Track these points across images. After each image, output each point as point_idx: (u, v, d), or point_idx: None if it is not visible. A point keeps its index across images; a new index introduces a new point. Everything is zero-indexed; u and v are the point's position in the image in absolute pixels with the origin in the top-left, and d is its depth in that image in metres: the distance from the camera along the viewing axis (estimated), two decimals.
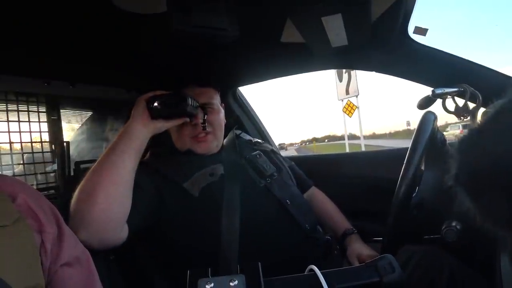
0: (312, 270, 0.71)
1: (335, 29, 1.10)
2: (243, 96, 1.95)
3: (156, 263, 1.16)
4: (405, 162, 0.93)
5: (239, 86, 1.89)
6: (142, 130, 1.05)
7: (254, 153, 1.32)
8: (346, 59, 1.50)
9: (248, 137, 1.50)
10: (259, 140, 1.47)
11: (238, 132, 1.51)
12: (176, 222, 1.11)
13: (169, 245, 1.12)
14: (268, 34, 1.25)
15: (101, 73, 1.50)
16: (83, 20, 1.03)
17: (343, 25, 1.07)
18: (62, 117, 1.55)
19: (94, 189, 0.93)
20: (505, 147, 0.43)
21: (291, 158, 1.61)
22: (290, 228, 1.15)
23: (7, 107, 1.34)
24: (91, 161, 1.01)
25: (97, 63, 1.38)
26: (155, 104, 1.06)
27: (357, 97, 10.91)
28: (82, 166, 1.45)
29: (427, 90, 1.18)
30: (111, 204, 0.94)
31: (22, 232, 0.63)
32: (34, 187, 1.34)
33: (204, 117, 1.22)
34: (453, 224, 0.87)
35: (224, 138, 1.38)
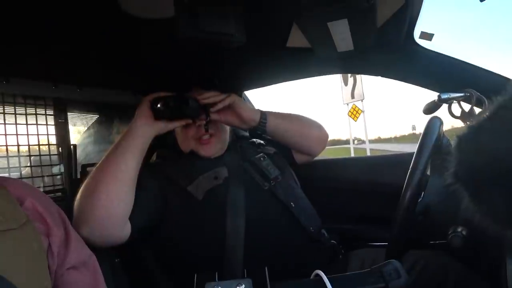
0: (318, 275, 0.71)
1: (341, 34, 1.10)
2: (248, 100, 1.95)
3: (161, 266, 1.17)
4: (411, 167, 0.92)
5: (245, 91, 1.90)
6: (145, 130, 1.08)
7: (258, 155, 1.32)
8: (352, 64, 1.50)
9: (251, 139, 1.50)
10: (262, 142, 1.46)
11: (241, 133, 1.52)
12: (181, 225, 1.11)
13: (174, 248, 1.12)
14: (274, 39, 1.26)
15: (109, 77, 1.52)
16: (92, 24, 1.04)
17: (349, 30, 1.07)
18: (69, 120, 1.56)
19: (97, 186, 0.97)
20: (503, 144, 0.43)
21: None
22: (295, 231, 1.15)
23: (15, 110, 1.35)
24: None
25: (105, 67, 1.39)
26: (158, 105, 1.09)
27: (362, 101, 10.86)
28: (89, 168, 1.46)
29: (433, 95, 1.18)
30: (113, 201, 0.96)
31: (30, 235, 0.63)
32: (41, 189, 1.36)
33: (207, 118, 1.23)
34: (459, 230, 0.86)
35: None
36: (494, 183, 0.44)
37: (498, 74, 1.19)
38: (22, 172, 1.41)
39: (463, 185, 0.48)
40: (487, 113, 0.47)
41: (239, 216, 1.09)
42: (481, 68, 1.23)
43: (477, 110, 1.10)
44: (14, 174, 1.38)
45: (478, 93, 1.06)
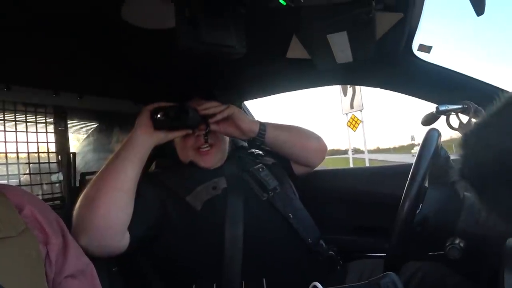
0: (315, 286, 0.71)
1: (341, 46, 1.11)
2: (248, 111, 1.96)
3: (159, 276, 1.16)
4: (409, 178, 0.93)
5: (244, 101, 1.91)
6: (145, 139, 1.08)
7: (257, 166, 1.32)
8: (351, 75, 1.52)
9: (250, 150, 1.50)
10: (261, 152, 1.46)
11: (240, 143, 1.52)
12: (179, 235, 1.11)
13: (172, 257, 1.12)
14: (274, 50, 1.27)
15: (109, 85, 1.53)
16: (93, 33, 1.06)
17: (348, 42, 1.08)
18: (68, 128, 1.56)
19: (96, 195, 0.96)
20: (510, 140, 0.43)
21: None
22: (293, 242, 1.15)
23: (15, 118, 1.36)
24: (97, 173, 1.03)
25: (106, 76, 1.40)
26: (159, 115, 1.09)
27: (361, 111, 10.89)
28: (88, 177, 1.46)
29: (431, 106, 1.18)
30: (111, 210, 0.96)
31: (28, 243, 0.64)
32: (40, 197, 1.35)
33: (207, 129, 1.23)
34: (457, 241, 0.86)
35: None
36: (501, 180, 0.44)
37: (496, 86, 1.19)
38: (21, 179, 1.42)
39: (469, 182, 0.48)
40: (494, 110, 0.47)
41: (237, 226, 1.09)
42: (479, 80, 1.24)
43: (474, 121, 1.11)
44: (13, 181, 1.38)
45: (476, 105, 1.07)
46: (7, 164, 1.34)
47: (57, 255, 0.69)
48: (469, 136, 0.49)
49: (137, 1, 0.89)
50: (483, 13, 0.91)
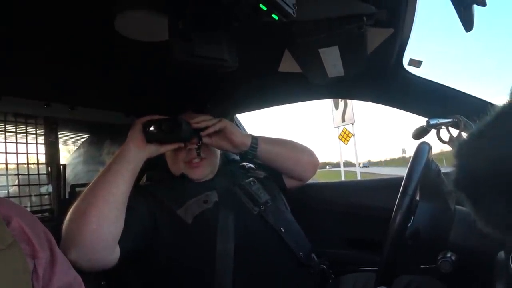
0: None
1: (332, 60, 1.12)
2: (240, 124, 1.97)
3: None
4: (400, 192, 0.93)
5: (236, 114, 1.91)
6: (137, 152, 1.07)
7: (248, 180, 1.32)
8: (342, 89, 1.53)
9: (242, 163, 1.50)
10: (252, 166, 1.47)
11: (231, 157, 1.52)
12: (170, 248, 1.10)
13: (162, 271, 1.11)
14: (266, 64, 1.28)
15: (101, 97, 1.52)
16: (85, 44, 1.06)
17: (340, 56, 1.10)
18: (59, 139, 1.55)
19: (87, 209, 0.95)
20: (505, 151, 0.43)
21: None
22: (284, 256, 1.14)
23: (5, 128, 1.34)
24: (87, 185, 1.02)
25: (98, 87, 1.39)
26: (151, 128, 1.08)
27: (352, 124, 10.97)
28: (78, 189, 1.44)
29: (422, 120, 1.20)
30: (103, 224, 0.95)
31: (15, 257, 0.62)
32: (28, 209, 1.33)
33: (199, 143, 1.23)
34: (448, 255, 0.87)
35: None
36: (496, 189, 0.44)
37: (485, 101, 1.21)
38: (10, 191, 1.39)
39: (463, 192, 0.48)
40: (488, 120, 0.47)
41: (229, 240, 1.08)
42: (469, 94, 1.26)
43: (464, 135, 1.12)
44: (1, 193, 1.36)
45: (466, 119, 1.08)
46: None
47: (44, 269, 0.68)
48: (464, 146, 0.49)
49: (131, 13, 0.89)
50: (471, 29, 0.93)
